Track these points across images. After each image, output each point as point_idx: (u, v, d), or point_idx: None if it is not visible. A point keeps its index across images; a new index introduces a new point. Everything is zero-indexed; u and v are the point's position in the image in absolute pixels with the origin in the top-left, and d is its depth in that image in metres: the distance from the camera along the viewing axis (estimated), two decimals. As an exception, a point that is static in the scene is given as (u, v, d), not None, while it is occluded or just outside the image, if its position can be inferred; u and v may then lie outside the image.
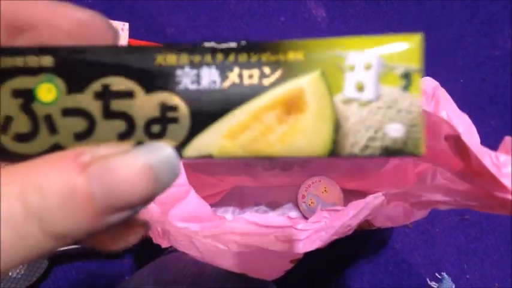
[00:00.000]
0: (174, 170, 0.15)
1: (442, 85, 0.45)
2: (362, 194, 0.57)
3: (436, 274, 0.74)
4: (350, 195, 0.70)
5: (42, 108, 0.16)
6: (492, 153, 0.28)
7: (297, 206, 0.72)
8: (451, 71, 0.90)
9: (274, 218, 0.43)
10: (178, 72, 0.16)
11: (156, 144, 0.15)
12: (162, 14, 0.90)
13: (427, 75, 0.46)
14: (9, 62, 0.16)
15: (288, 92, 0.16)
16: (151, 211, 0.41)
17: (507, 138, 0.30)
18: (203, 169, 0.63)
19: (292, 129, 0.16)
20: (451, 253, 0.78)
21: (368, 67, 0.15)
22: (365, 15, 0.93)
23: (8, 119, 0.16)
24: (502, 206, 0.29)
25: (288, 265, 0.50)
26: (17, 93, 0.16)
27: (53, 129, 0.16)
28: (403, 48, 0.16)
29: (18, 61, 0.16)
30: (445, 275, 0.52)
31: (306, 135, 0.15)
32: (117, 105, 0.16)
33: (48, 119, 0.16)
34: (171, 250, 0.58)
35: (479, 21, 0.94)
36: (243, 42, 0.16)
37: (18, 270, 0.69)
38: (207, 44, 0.16)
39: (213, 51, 0.16)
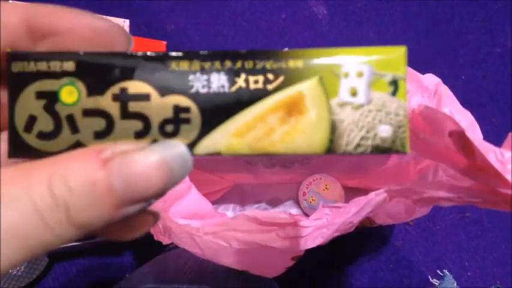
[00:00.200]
0: (186, 166, 0.16)
1: (443, 82, 0.45)
2: (363, 192, 0.57)
3: (438, 271, 0.74)
4: (351, 193, 0.70)
5: (65, 108, 0.17)
6: (497, 149, 0.28)
7: (297, 203, 0.72)
8: (452, 68, 0.90)
9: (276, 214, 0.43)
10: (191, 77, 0.17)
11: (170, 141, 0.16)
12: (163, 11, 0.89)
13: (429, 72, 0.46)
14: (33, 66, 0.17)
15: (289, 96, 0.17)
16: (152, 207, 0.41)
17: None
18: (204, 166, 0.63)
19: (293, 129, 0.17)
20: (452, 251, 0.78)
21: (360, 75, 0.17)
22: (366, 12, 0.93)
23: (32, 119, 0.17)
24: (506, 202, 0.29)
25: (289, 262, 0.50)
26: (40, 95, 0.17)
27: (74, 128, 0.17)
28: (391, 58, 0.17)
29: (42, 66, 0.17)
30: (447, 273, 0.52)
31: (305, 135, 0.17)
32: (134, 106, 0.17)
33: (70, 118, 0.17)
34: (172, 247, 0.58)
35: (480, 19, 0.94)
36: (249, 51, 0.17)
37: (18, 267, 0.68)
38: (217, 51, 0.17)
39: (222, 58, 0.17)
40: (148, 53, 0.17)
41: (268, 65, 0.17)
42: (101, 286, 0.73)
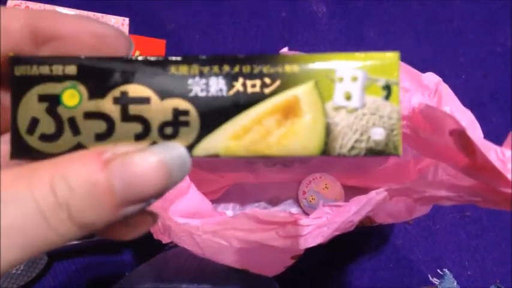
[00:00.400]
0: (185, 167, 0.17)
1: (443, 81, 0.45)
2: (363, 191, 0.57)
3: (438, 270, 0.74)
4: (351, 192, 0.70)
5: (67, 111, 0.17)
6: (497, 148, 0.28)
7: (297, 202, 0.72)
8: (452, 67, 0.90)
9: (276, 213, 0.43)
10: (190, 81, 0.18)
11: (169, 143, 0.17)
12: (163, 9, 0.89)
13: (429, 71, 0.46)
14: (35, 70, 0.17)
15: (286, 99, 0.18)
16: (152, 207, 0.41)
17: None
18: (204, 165, 0.63)
19: (289, 132, 0.18)
20: (452, 250, 0.78)
21: (354, 79, 0.18)
22: (366, 11, 0.93)
23: (35, 121, 0.17)
24: (506, 201, 0.29)
25: (289, 261, 0.50)
26: (43, 97, 0.17)
27: (76, 130, 0.17)
28: (384, 63, 0.18)
29: (45, 69, 0.17)
30: (447, 272, 0.52)
31: (301, 138, 0.18)
32: (134, 109, 0.18)
33: (72, 121, 0.17)
34: (172, 246, 0.58)
35: (480, 18, 0.94)
36: (247, 55, 0.18)
37: (17, 266, 0.68)
38: (215, 56, 0.18)
39: (220, 63, 0.18)
40: (148, 58, 0.18)
41: (265, 69, 0.18)
42: (100, 285, 0.73)
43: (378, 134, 0.18)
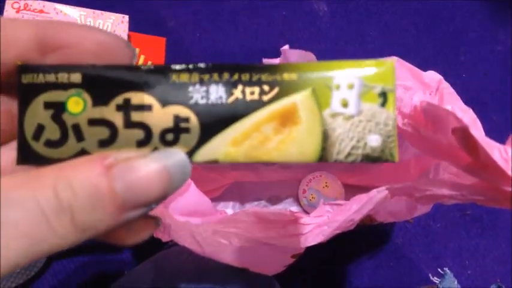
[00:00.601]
0: (185, 173, 0.17)
1: (444, 80, 0.44)
2: (363, 189, 0.57)
3: (439, 269, 0.74)
4: (351, 190, 0.70)
5: (71, 118, 0.18)
6: (501, 146, 0.28)
7: (297, 201, 0.72)
8: (453, 65, 0.89)
9: (277, 212, 0.42)
10: (190, 88, 0.18)
11: (170, 149, 0.18)
12: (163, 7, 0.89)
13: (430, 69, 0.46)
14: (42, 78, 0.18)
15: (284, 106, 0.18)
16: (154, 210, 0.41)
17: None
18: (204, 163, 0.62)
19: (287, 138, 0.18)
20: (452, 249, 0.78)
21: (351, 86, 0.18)
22: (367, 10, 0.93)
23: (40, 127, 0.18)
24: (509, 200, 0.29)
25: (289, 260, 0.50)
26: (48, 105, 0.18)
27: (80, 136, 0.18)
28: (380, 71, 0.18)
29: (51, 77, 0.18)
30: (447, 271, 0.52)
31: (298, 144, 0.18)
32: (136, 116, 0.18)
33: (76, 127, 0.18)
34: (172, 244, 0.58)
35: (481, 17, 0.93)
36: (246, 64, 0.18)
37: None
38: (215, 64, 0.18)
39: (220, 71, 0.18)
40: (150, 66, 0.18)
41: (264, 77, 0.18)
42: (99, 283, 0.73)
43: (374, 141, 0.18)
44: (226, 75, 0.18)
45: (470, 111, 0.41)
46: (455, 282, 0.51)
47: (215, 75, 0.18)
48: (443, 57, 0.90)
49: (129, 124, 0.18)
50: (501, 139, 0.30)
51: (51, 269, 0.73)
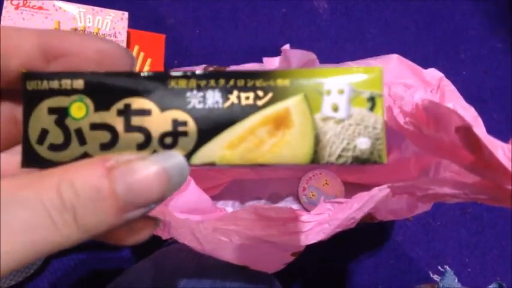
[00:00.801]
0: (183, 174, 0.18)
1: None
2: (363, 187, 0.57)
3: (439, 267, 0.74)
4: (351, 188, 0.70)
5: (74, 123, 0.19)
6: (504, 145, 0.28)
7: (297, 198, 0.72)
8: (453, 63, 0.89)
9: (277, 209, 0.42)
10: (188, 94, 0.19)
11: (169, 152, 0.18)
12: (162, 4, 0.89)
13: (430, 67, 0.46)
14: (46, 84, 0.19)
15: (277, 111, 0.19)
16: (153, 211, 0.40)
17: None
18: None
19: (281, 141, 0.19)
20: (452, 246, 0.78)
21: (341, 92, 0.19)
22: (367, 7, 0.93)
23: (44, 132, 0.19)
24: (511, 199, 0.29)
25: (289, 258, 0.50)
26: (52, 110, 0.19)
27: (82, 140, 0.19)
28: (368, 77, 0.19)
29: (54, 84, 0.19)
30: (448, 269, 0.51)
31: (292, 147, 0.19)
32: (136, 121, 0.19)
33: (79, 132, 0.19)
34: (171, 242, 0.57)
35: (481, 14, 0.93)
36: (241, 71, 0.19)
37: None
38: (212, 71, 0.19)
39: (217, 77, 0.19)
40: (150, 73, 0.19)
41: (258, 83, 0.19)
42: (99, 281, 0.73)
43: (363, 143, 0.19)
44: (222, 81, 0.19)
45: (472, 109, 0.40)
46: (456, 280, 0.51)
47: (212, 81, 0.19)
48: (443, 54, 0.90)
49: (130, 128, 0.19)
50: (501, 137, 0.30)
51: (50, 267, 0.73)
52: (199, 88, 0.19)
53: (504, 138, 0.30)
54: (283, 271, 0.51)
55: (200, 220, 0.44)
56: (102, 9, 0.75)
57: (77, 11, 0.73)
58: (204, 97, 0.19)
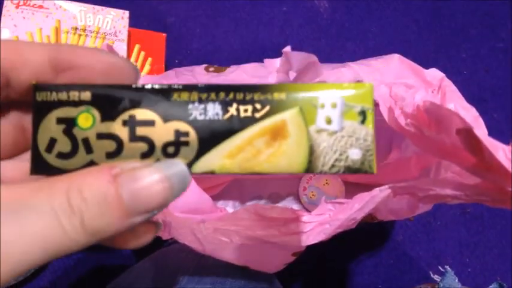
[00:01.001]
0: (185, 182, 0.19)
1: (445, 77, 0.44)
2: (363, 187, 0.57)
3: (439, 267, 0.74)
4: (352, 188, 0.70)
5: (81, 132, 0.20)
6: (506, 147, 0.28)
7: (298, 198, 0.72)
8: (454, 62, 0.89)
9: (278, 209, 0.42)
10: (190, 106, 0.20)
11: (172, 160, 0.19)
12: (163, 3, 0.88)
13: (431, 66, 0.46)
14: (55, 96, 0.20)
15: (274, 123, 0.20)
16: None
17: None
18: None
19: (277, 151, 0.20)
20: (453, 246, 0.78)
21: (334, 106, 0.20)
22: (368, 6, 0.93)
23: (53, 141, 0.20)
24: (513, 200, 0.29)
25: (290, 258, 0.50)
26: (60, 120, 0.20)
27: (89, 149, 0.20)
28: (360, 92, 0.20)
29: (63, 95, 0.20)
30: (448, 268, 0.51)
31: (288, 157, 0.20)
32: (140, 131, 0.20)
33: (86, 141, 0.20)
34: (172, 242, 0.57)
35: (482, 13, 0.93)
36: (240, 85, 0.21)
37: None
38: (212, 85, 0.20)
39: (217, 90, 0.20)
40: (154, 86, 0.20)
41: (256, 96, 0.20)
42: (99, 281, 0.73)
43: (355, 154, 0.20)
44: (222, 95, 0.20)
45: (473, 109, 0.40)
46: (456, 280, 0.51)
47: (212, 95, 0.20)
48: (444, 54, 0.90)
49: (134, 138, 0.20)
50: (502, 136, 0.30)
51: (50, 266, 0.73)
52: (200, 101, 0.20)
53: (505, 138, 0.30)
54: (283, 271, 0.51)
55: (201, 220, 0.44)
56: (103, 8, 0.75)
57: (77, 9, 0.73)
58: (205, 109, 0.20)
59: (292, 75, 0.44)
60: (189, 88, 0.20)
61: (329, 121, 0.20)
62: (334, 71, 0.46)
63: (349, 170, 0.20)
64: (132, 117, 0.20)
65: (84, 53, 0.20)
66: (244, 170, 0.20)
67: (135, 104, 0.20)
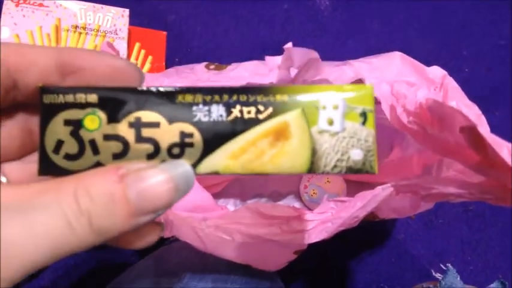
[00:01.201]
0: (190, 182, 0.19)
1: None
2: (365, 185, 0.57)
3: (441, 265, 0.74)
4: (353, 186, 0.70)
5: (88, 134, 0.20)
6: (510, 144, 0.27)
7: (299, 196, 0.72)
8: (456, 60, 0.89)
9: (280, 207, 0.42)
10: (194, 108, 0.20)
11: (177, 161, 0.20)
12: (163, 1, 0.88)
13: (432, 64, 0.46)
14: (62, 98, 0.20)
15: (277, 124, 0.20)
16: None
17: None
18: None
19: (280, 152, 0.20)
20: (454, 244, 0.78)
21: (336, 107, 0.20)
22: (369, 4, 0.92)
23: (60, 142, 0.20)
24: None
25: (291, 256, 0.50)
26: (67, 122, 0.20)
27: (96, 150, 0.20)
28: (361, 94, 0.21)
29: (69, 98, 0.20)
30: (450, 267, 0.51)
31: (290, 157, 0.20)
32: (146, 132, 0.20)
33: (92, 142, 0.20)
34: (173, 240, 0.57)
35: (484, 10, 0.93)
36: (244, 87, 0.21)
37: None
38: (216, 87, 0.21)
39: (221, 93, 0.21)
40: (159, 88, 0.20)
41: (259, 98, 0.20)
42: (100, 279, 0.73)
43: (356, 155, 0.20)
44: (226, 97, 0.20)
45: (475, 107, 0.40)
46: (458, 278, 0.51)
47: (216, 97, 0.20)
48: (446, 51, 0.89)
49: (140, 139, 0.20)
50: (504, 134, 0.30)
51: (50, 266, 0.73)
52: (204, 103, 0.20)
53: (507, 136, 0.30)
54: (285, 269, 0.51)
55: (202, 218, 0.44)
56: (103, 6, 0.74)
57: (77, 7, 0.73)
58: (209, 111, 0.20)
59: (294, 72, 0.44)
60: (193, 90, 0.20)
61: (331, 122, 0.20)
62: (336, 68, 0.46)
63: (351, 170, 0.20)
64: (137, 119, 0.20)
65: (90, 56, 0.20)
66: (247, 171, 0.20)
67: (141, 106, 0.20)
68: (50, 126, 0.20)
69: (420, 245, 0.78)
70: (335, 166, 0.20)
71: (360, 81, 0.45)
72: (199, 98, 0.20)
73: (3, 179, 0.22)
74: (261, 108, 0.20)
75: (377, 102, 0.42)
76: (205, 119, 0.20)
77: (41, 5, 0.71)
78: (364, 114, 0.20)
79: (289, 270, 0.53)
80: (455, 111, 0.30)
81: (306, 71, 0.42)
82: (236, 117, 0.20)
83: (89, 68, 0.20)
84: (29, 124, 0.22)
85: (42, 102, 0.20)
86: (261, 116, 0.20)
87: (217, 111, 0.20)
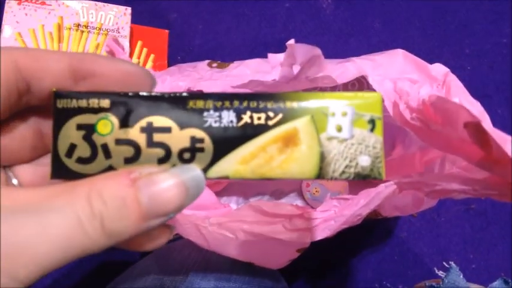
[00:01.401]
0: (200, 187, 0.20)
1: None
2: (367, 183, 0.57)
3: (444, 263, 0.74)
4: (355, 184, 0.70)
5: (100, 138, 0.20)
6: (515, 140, 0.27)
7: (301, 194, 0.72)
8: (458, 58, 0.89)
9: (283, 205, 0.42)
10: (205, 113, 0.21)
11: (188, 166, 0.20)
12: (165, -1, 0.88)
13: (434, 62, 0.46)
14: (75, 103, 0.21)
15: (286, 130, 0.21)
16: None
17: None
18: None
19: (289, 158, 0.21)
20: (457, 242, 0.78)
21: (344, 114, 0.21)
22: (371, 1, 0.92)
23: (73, 146, 0.20)
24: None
25: (294, 254, 0.50)
26: (80, 126, 0.20)
27: (108, 154, 0.20)
28: (369, 101, 0.21)
29: (82, 103, 0.21)
30: (453, 264, 0.51)
31: (299, 163, 0.21)
32: (158, 137, 0.21)
33: (105, 147, 0.20)
34: (176, 238, 0.57)
35: (486, 8, 0.93)
36: (254, 93, 0.21)
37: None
38: (227, 94, 0.21)
39: (231, 99, 0.21)
40: (171, 94, 0.21)
41: (269, 104, 0.21)
42: (104, 277, 0.73)
43: (364, 161, 0.21)
44: (236, 103, 0.21)
45: (478, 104, 0.40)
46: (461, 276, 0.51)
47: (227, 103, 0.21)
48: (448, 49, 0.89)
49: (151, 144, 0.21)
50: (506, 132, 0.30)
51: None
52: (215, 108, 0.21)
53: (509, 133, 0.30)
54: (287, 267, 0.51)
55: (205, 216, 0.44)
56: (105, 4, 0.74)
57: (79, 6, 0.73)
58: (219, 117, 0.21)
59: (296, 69, 0.44)
60: (204, 96, 0.21)
61: (339, 129, 0.21)
62: (338, 65, 0.46)
63: (359, 176, 0.21)
64: (149, 123, 0.21)
65: (103, 61, 0.21)
66: (257, 176, 0.21)
67: (152, 111, 0.21)
68: (63, 131, 0.20)
69: (422, 243, 0.77)
70: (343, 172, 0.21)
71: (362, 78, 0.45)
72: (210, 103, 0.21)
73: (15, 181, 0.22)
74: (271, 114, 0.21)
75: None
76: (215, 125, 0.21)
77: (43, 3, 0.71)
78: (372, 121, 0.21)
79: (292, 268, 0.53)
80: (459, 106, 0.30)
81: (309, 68, 0.42)
82: (246, 123, 0.21)
83: (101, 73, 0.21)
84: (41, 127, 0.22)
85: (55, 107, 0.21)
86: (270, 122, 0.21)
87: (228, 117, 0.21)
